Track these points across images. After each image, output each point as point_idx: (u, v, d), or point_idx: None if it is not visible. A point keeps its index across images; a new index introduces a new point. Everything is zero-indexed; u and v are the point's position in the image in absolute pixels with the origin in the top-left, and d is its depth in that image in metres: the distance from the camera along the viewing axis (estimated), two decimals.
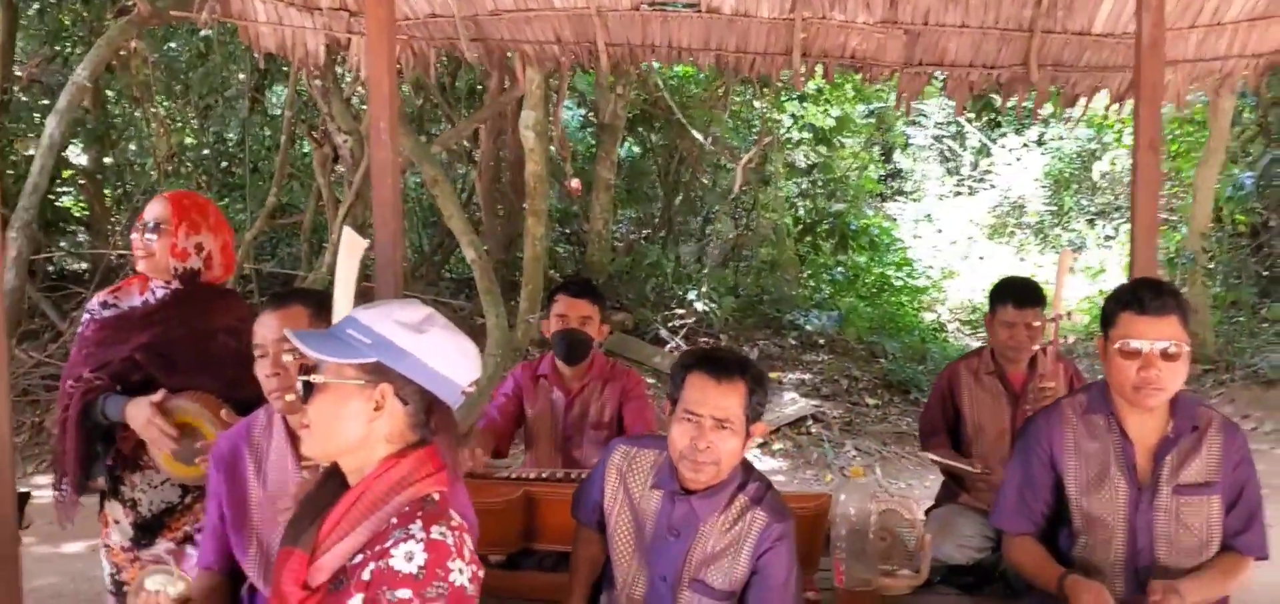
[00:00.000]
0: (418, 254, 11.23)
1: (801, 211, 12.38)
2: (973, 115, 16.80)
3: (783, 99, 11.94)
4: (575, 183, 10.84)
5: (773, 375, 9.09)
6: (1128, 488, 2.72)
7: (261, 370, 2.48)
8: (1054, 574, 2.71)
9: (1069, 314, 3.89)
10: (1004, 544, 3.03)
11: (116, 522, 3.10)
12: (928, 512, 4.11)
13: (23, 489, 2.83)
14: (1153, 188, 3.67)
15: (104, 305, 3.14)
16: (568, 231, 11.44)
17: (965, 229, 15.97)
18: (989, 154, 17.10)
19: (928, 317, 11.81)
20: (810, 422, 8.17)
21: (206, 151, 11.29)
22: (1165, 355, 2.57)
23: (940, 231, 15.84)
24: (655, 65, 9.41)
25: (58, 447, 3.10)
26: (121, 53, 9.40)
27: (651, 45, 4.60)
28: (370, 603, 1.70)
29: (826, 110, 12.37)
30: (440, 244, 10.64)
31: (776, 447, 7.73)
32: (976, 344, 8.05)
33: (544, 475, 3.62)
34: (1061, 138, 15.75)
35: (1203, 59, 4.60)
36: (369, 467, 1.83)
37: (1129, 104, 4.23)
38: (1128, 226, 13.33)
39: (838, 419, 8.34)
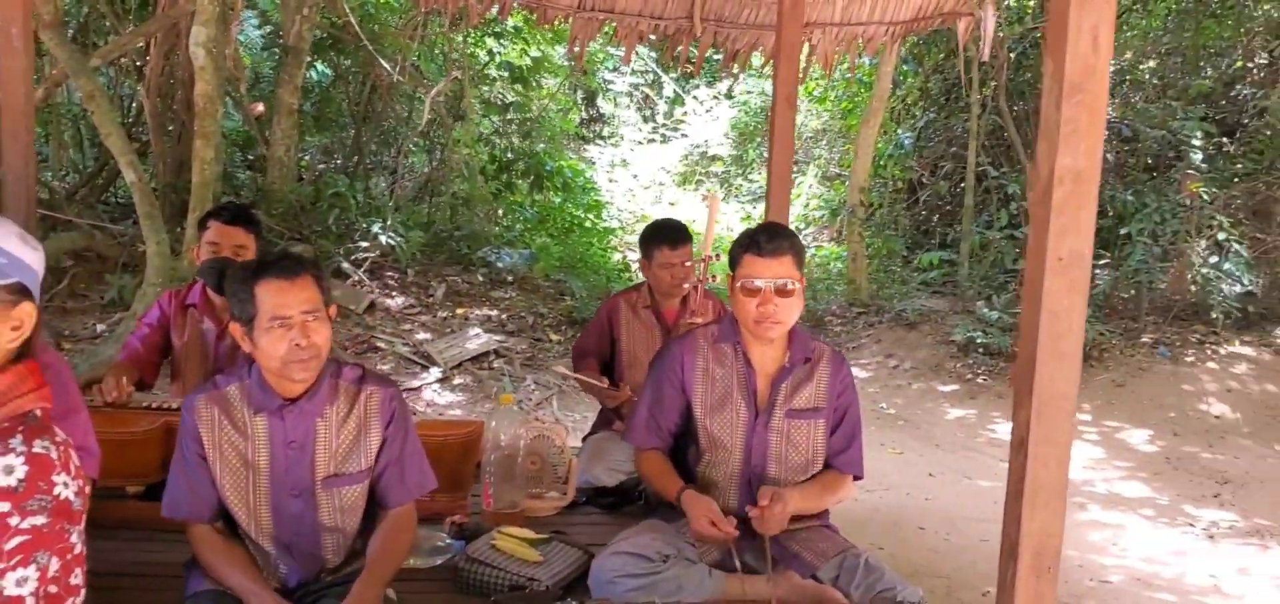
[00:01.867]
0: (78, 174, 10.33)
1: (498, 149, 12.39)
2: (666, 66, 17.39)
3: (480, 35, 11.88)
4: (258, 106, 10.30)
5: (458, 311, 9.11)
6: (747, 411, 2.99)
7: None
8: (674, 487, 2.96)
9: (718, 255, 4.16)
10: (635, 459, 3.24)
11: None
12: (585, 438, 4.32)
13: None
14: (787, 139, 4.01)
15: None
16: (249, 157, 10.85)
17: (657, 175, 16.56)
18: (682, 104, 17.77)
19: (615, 257, 12.18)
20: (493, 356, 8.26)
21: None
22: (780, 291, 2.84)
23: (635, 176, 16.34)
24: None
25: None
26: None
27: None
28: None
29: (524, 50, 12.42)
30: (104, 165, 9.81)
31: (457, 381, 7.77)
32: None
33: None
34: (749, 93, 16.60)
35: (847, 24, 5.03)
36: None
37: None
38: (802, 177, 14.31)
39: (521, 354, 8.48)
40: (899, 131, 13.07)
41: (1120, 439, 7.60)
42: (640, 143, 17.48)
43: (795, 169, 15.54)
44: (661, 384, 3.08)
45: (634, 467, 3.69)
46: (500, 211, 11.91)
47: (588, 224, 12.58)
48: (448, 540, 3.20)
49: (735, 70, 5.39)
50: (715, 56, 5.37)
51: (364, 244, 9.57)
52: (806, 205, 14.09)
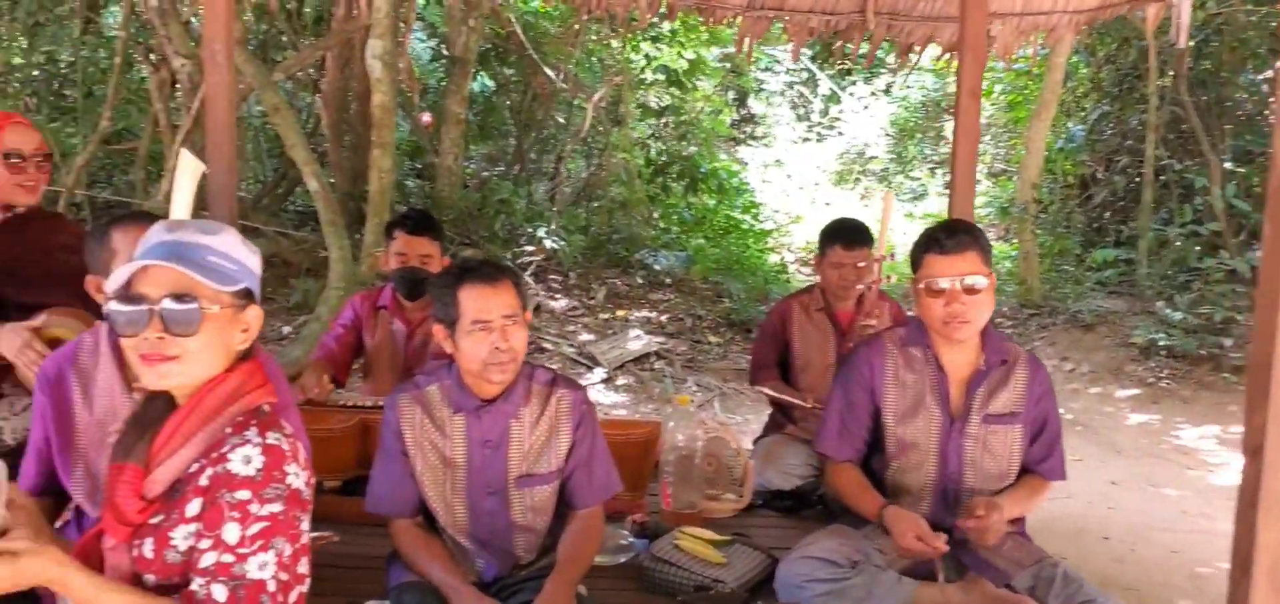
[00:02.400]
0: (260, 184, 10.89)
1: (653, 152, 12.47)
2: (822, 63, 17.17)
3: (636, 40, 11.98)
4: (427, 116, 10.65)
5: (619, 313, 9.20)
6: (941, 416, 2.90)
7: None
8: (874, 504, 2.87)
9: (892, 255, 4.07)
10: (826, 469, 3.18)
11: None
12: (756, 441, 4.29)
13: None
14: (973, 135, 3.88)
15: None
16: (418, 166, 11.24)
17: (813, 175, 16.35)
18: (838, 102, 17.50)
19: (772, 259, 12.08)
20: (654, 358, 8.30)
21: (36, 73, 10.61)
22: (968, 290, 2.74)
23: (789, 176, 16.17)
24: None
25: None
26: None
27: None
28: (209, 506, 1.73)
29: (680, 53, 12.46)
30: (284, 175, 10.32)
31: (620, 382, 7.84)
32: None
33: (381, 402, 3.63)
34: (908, 87, 16.24)
35: (1029, 13, 4.85)
36: (196, 383, 1.83)
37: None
38: None
39: (681, 356, 8.50)
40: (1070, 125, 12.56)
41: None
42: (795, 142, 17.27)
43: None
44: (851, 389, 3.00)
45: (822, 477, 3.64)
46: (656, 214, 11.98)
47: (744, 226, 12.52)
48: (630, 539, 3.23)
49: (909, 65, 5.25)
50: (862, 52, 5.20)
51: (529, 248, 9.78)
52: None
